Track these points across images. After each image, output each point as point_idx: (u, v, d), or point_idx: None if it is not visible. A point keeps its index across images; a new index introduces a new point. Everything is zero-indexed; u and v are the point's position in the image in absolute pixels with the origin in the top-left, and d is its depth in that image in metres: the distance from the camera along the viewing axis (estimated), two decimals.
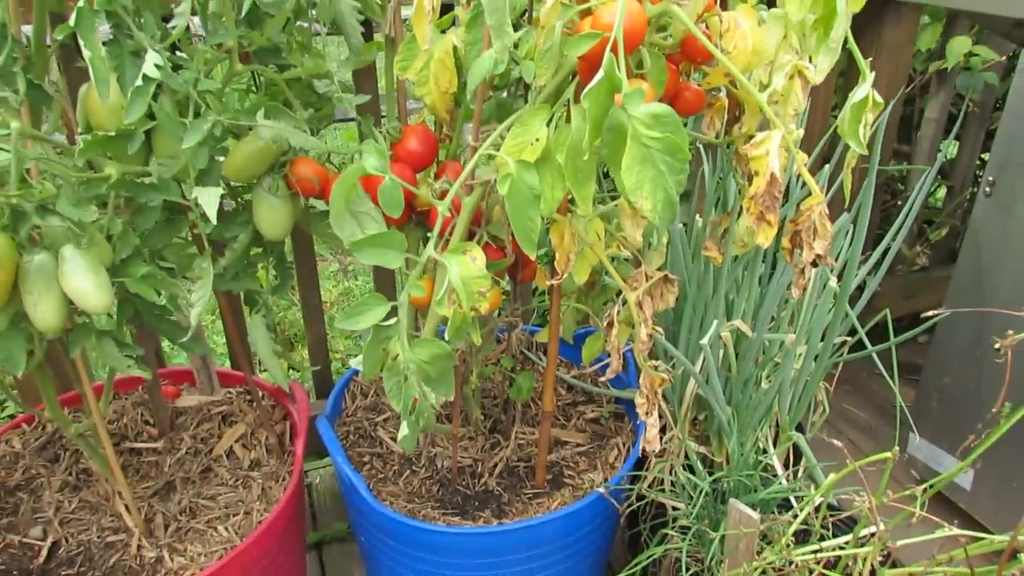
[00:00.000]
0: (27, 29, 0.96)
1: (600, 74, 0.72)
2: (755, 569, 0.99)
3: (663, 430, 1.29)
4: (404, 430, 1.02)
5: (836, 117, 0.89)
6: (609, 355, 1.12)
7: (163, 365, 1.68)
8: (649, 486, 1.28)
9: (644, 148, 0.74)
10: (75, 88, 1.04)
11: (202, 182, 0.98)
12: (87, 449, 1.20)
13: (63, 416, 1.15)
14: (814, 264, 0.88)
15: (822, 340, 1.32)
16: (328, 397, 1.49)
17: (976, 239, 1.51)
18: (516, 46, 0.94)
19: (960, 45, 1.94)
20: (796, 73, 0.87)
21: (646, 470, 1.29)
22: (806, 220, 0.86)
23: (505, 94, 1.17)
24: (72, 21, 0.84)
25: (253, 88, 1.17)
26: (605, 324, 1.09)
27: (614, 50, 0.73)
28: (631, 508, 1.30)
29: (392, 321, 0.92)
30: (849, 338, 1.39)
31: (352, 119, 1.14)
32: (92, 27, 0.85)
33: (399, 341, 0.92)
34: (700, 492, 1.17)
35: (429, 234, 0.91)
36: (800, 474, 1.34)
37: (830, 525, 1.08)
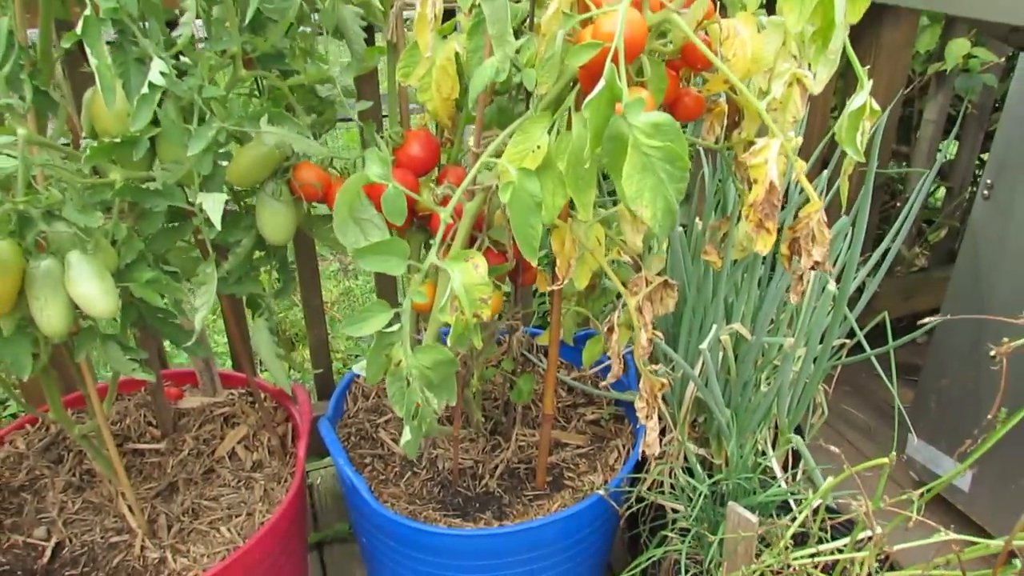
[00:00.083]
0: (32, 33, 0.96)
1: (601, 84, 0.73)
2: (753, 572, 1.00)
3: (662, 432, 1.30)
4: (407, 435, 1.03)
5: (835, 119, 0.90)
6: (609, 357, 1.13)
7: (165, 366, 1.69)
8: (649, 488, 1.29)
9: (644, 157, 0.75)
10: (79, 93, 1.05)
11: (206, 188, 0.99)
12: (91, 450, 1.21)
13: (67, 418, 1.16)
14: (812, 270, 0.89)
15: (821, 343, 1.32)
16: (330, 399, 1.50)
17: (974, 242, 1.52)
18: (517, 51, 0.94)
19: (959, 47, 1.95)
20: (795, 81, 0.87)
21: (646, 472, 1.30)
22: (804, 227, 0.86)
23: (506, 98, 1.17)
24: (79, 29, 0.84)
25: (256, 93, 1.17)
26: (605, 329, 1.10)
27: (615, 60, 0.74)
28: (631, 510, 1.31)
29: (395, 328, 0.93)
30: (848, 340, 1.40)
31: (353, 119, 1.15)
32: (98, 35, 0.85)
33: (402, 347, 0.93)
34: (699, 495, 1.17)
35: (432, 241, 0.92)
36: (799, 476, 1.35)
37: (828, 528, 1.09)
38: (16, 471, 1.36)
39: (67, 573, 1.20)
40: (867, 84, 0.84)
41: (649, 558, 1.21)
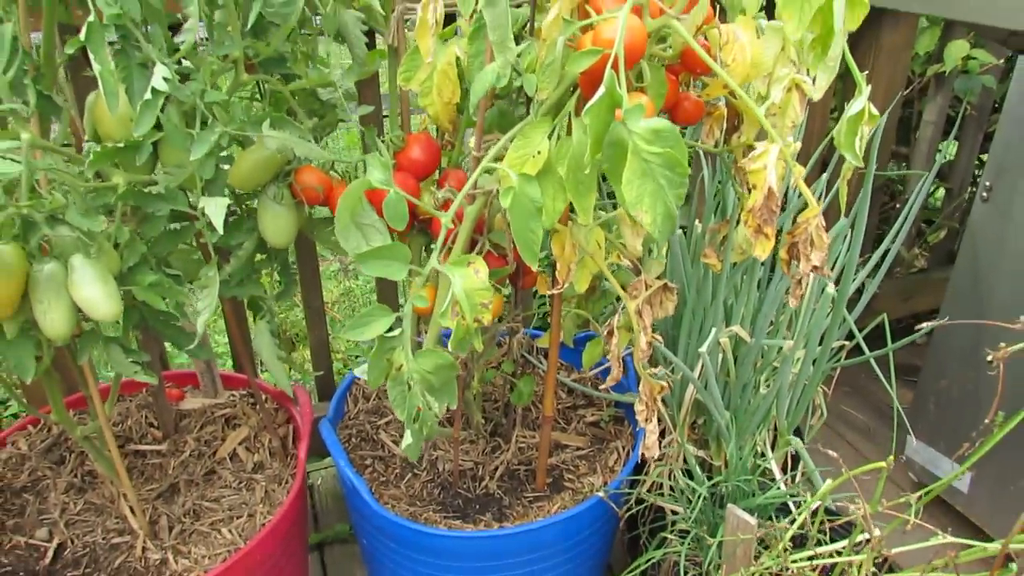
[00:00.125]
0: (35, 37, 0.97)
1: (601, 90, 0.73)
2: (752, 574, 1.00)
3: (662, 434, 1.30)
4: (408, 439, 1.04)
5: (835, 120, 0.90)
6: (609, 360, 1.13)
7: (166, 367, 1.69)
8: (648, 490, 1.30)
9: (644, 163, 0.75)
10: (82, 97, 1.05)
11: (208, 191, 1.00)
12: (92, 451, 1.21)
13: (69, 419, 1.17)
14: (811, 274, 0.89)
15: (820, 344, 1.33)
16: (331, 400, 1.50)
17: (973, 243, 1.52)
18: (518, 56, 0.95)
19: (958, 49, 1.95)
20: (794, 86, 0.88)
21: (645, 474, 1.31)
22: (803, 232, 0.87)
23: (506, 102, 1.18)
24: (83, 35, 0.85)
25: (258, 97, 1.18)
26: (605, 333, 1.11)
27: (615, 66, 0.74)
28: (630, 512, 1.31)
29: (396, 332, 0.94)
30: (847, 342, 1.40)
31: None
32: (102, 41, 0.86)
33: (403, 352, 0.94)
34: (698, 497, 1.18)
35: (433, 245, 0.92)
36: (798, 478, 1.35)
37: (827, 530, 1.09)
38: (18, 472, 1.37)
39: (69, 574, 1.21)
40: (866, 90, 0.84)
41: (648, 560, 1.22)
